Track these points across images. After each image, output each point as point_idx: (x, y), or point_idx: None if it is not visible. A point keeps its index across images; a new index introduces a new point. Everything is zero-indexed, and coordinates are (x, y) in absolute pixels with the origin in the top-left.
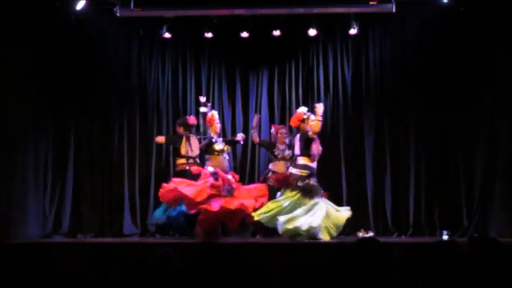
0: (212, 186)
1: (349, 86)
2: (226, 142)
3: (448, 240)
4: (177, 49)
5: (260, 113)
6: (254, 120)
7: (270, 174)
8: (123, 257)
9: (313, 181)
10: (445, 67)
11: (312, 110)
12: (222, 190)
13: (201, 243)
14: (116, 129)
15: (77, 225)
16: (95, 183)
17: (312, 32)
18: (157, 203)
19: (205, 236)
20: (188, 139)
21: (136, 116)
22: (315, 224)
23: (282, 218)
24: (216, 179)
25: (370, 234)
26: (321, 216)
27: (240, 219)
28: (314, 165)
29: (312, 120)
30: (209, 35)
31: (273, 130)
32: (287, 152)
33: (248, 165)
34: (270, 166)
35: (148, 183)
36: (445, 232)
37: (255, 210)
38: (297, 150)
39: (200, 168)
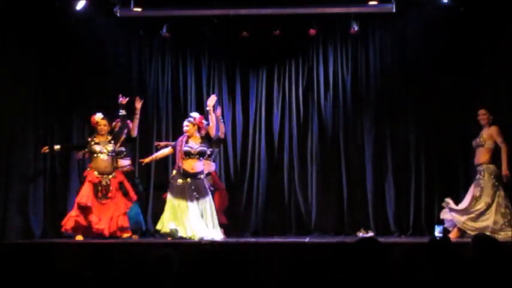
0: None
1: (349, 85)
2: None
3: (439, 238)
4: (177, 49)
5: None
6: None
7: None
8: (123, 257)
9: None
10: (445, 67)
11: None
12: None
13: (201, 244)
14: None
15: None
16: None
17: (312, 31)
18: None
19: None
20: None
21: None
22: None
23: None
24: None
25: (370, 234)
26: None
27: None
28: None
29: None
30: (209, 34)
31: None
32: None
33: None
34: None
35: (148, 183)
36: (438, 229)
37: None
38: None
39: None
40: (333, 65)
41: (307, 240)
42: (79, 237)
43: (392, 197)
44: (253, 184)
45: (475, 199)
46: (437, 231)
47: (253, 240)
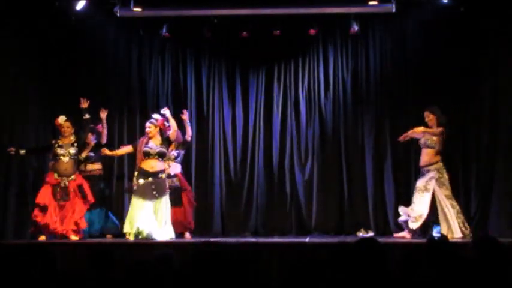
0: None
1: (349, 86)
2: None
3: (437, 238)
4: (177, 49)
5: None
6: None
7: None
8: (123, 257)
9: None
10: (445, 67)
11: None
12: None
13: (201, 244)
14: (116, 130)
15: None
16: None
17: (312, 31)
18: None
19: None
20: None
21: (136, 116)
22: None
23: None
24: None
25: (370, 234)
26: None
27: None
28: None
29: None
30: (209, 34)
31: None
32: None
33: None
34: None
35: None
36: (436, 229)
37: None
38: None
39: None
40: (333, 64)
41: (307, 240)
42: (42, 238)
43: (392, 197)
44: (254, 184)
45: (449, 198)
46: (435, 231)
47: (253, 240)
